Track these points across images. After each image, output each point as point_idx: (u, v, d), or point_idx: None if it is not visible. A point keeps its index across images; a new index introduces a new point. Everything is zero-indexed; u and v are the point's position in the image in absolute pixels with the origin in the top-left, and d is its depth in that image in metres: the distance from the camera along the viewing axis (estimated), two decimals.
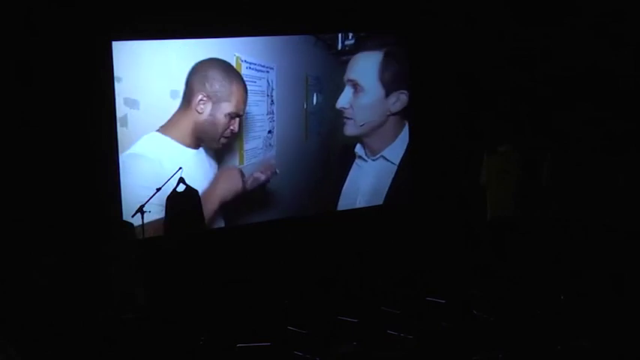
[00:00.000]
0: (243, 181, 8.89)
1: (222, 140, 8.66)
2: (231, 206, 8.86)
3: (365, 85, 9.34)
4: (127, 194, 8.14)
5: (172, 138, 8.39)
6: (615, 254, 8.25)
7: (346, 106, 9.32)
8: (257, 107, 8.90)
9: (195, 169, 8.49)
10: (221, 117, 8.57)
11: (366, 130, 9.50)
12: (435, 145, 9.80)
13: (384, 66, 9.37)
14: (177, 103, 8.37)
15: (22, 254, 7.41)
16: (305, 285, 8.34)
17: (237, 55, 8.65)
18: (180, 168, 8.07)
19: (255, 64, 8.79)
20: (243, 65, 8.72)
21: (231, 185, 8.80)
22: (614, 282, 7.77)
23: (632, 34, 8.93)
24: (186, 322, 7.44)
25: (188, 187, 8.06)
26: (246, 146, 8.90)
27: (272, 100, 8.99)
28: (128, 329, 7.16)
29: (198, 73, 8.45)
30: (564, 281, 7.94)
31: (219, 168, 8.76)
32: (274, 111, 9.03)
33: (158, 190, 7.98)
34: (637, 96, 8.96)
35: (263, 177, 9.03)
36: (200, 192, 8.32)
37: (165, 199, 8.06)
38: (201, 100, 8.43)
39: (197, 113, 8.44)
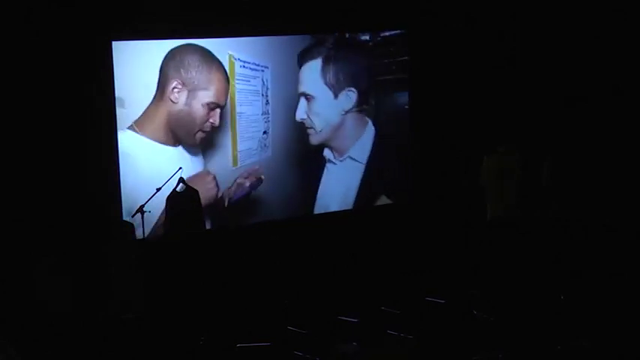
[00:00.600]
0: (217, 187, 8.65)
1: (200, 135, 8.38)
2: (215, 211, 8.73)
3: (314, 92, 9.27)
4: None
5: (146, 135, 8.13)
6: (615, 254, 8.26)
7: (304, 117, 9.24)
8: (251, 107, 8.83)
9: (175, 166, 8.16)
10: (198, 107, 8.27)
11: (327, 134, 9.41)
12: (434, 145, 9.79)
13: (325, 69, 9.31)
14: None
15: (22, 254, 7.41)
16: (305, 285, 8.34)
17: (230, 53, 8.59)
18: (180, 168, 8.07)
19: (249, 63, 8.73)
20: (237, 64, 8.65)
21: (202, 191, 8.31)
22: (614, 282, 7.77)
23: (632, 34, 8.93)
24: (186, 322, 7.44)
25: (188, 187, 8.05)
26: (240, 147, 8.81)
27: (267, 100, 8.95)
28: (128, 329, 7.16)
29: (173, 59, 8.16)
30: (564, 281, 7.94)
31: (207, 164, 8.66)
32: (269, 111, 8.99)
33: (158, 190, 7.97)
34: (637, 96, 8.96)
35: (247, 183, 8.88)
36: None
37: (164, 199, 8.06)
38: (175, 87, 8.10)
39: (171, 103, 8.09)
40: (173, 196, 8.02)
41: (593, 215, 8.50)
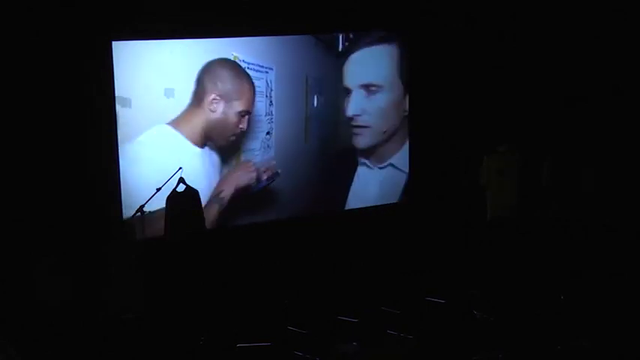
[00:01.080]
0: (257, 173, 8.92)
1: (232, 138, 8.71)
2: (235, 203, 8.84)
3: (383, 83, 9.05)
4: (128, 185, 8.18)
5: (182, 133, 8.44)
6: (615, 254, 8.25)
7: (359, 113, 9.12)
8: (255, 108, 8.86)
9: (200, 166, 8.54)
10: (233, 115, 8.63)
11: (387, 137, 9.23)
12: (435, 145, 9.79)
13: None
14: (171, 101, 8.33)
15: (22, 254, 7.41)
16: (305, 285, 8.34)
17: (235, 54, 8.64)
18: (180, 168, 8.06)
19: (253, 64, 8.77)
20: (242, 65, 8.71)
21: (245, 178, 8.83)
22: (614, 282, 7.77)
23: (632, 34, 8.93)
24: (186, 322, 7.44)
25: (188, 187, 8.05)
26: (244, 147, 8.88)
27: (271, 101, 8.97)
28: (128, 329, 7.16)
29: (209, 72, 8.48)
30: (564, 281, 7.94)
31: (222, 166, 8.75)
32: (273, 112, 9.01)
33: (158, 190, 7.98)
34: (637, 96, 8.96)
35: (265, 177, 9.01)
36: (213, 185, 8.47)
37: (165, 198, 8.07)
38: (214, 99, 8.49)
39: (210, 112, 8.49)
40: (173, 196, 8.02)
41: (593, 215, 8.50)
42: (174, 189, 8.00)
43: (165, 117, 8.32)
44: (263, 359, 6.80)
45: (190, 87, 8.43)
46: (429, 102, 9.75)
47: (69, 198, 7.81)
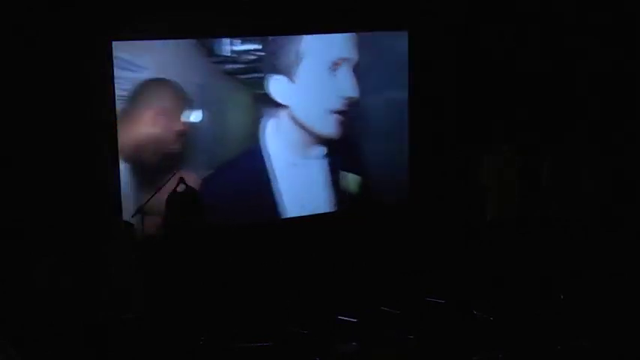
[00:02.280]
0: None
1: (159, 157, 8.36)
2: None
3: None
4: None
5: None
6: (615, 254, 8.25)
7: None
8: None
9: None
10: (171, 134, 8.37)
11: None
12: (434, 145, 9.79)
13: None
14: None
15: (22, 254, 7.42)
16: (305, 285, 8.34)
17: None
18: (180, 168, 8.07)
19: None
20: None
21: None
22: (614, 282, 7.77)
23: (633, 34, 8.92)
24: (186, 322, 7.44)
25: (188, 187, 8.06)
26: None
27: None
28: (128, 329, 7.16)
29: (149, 89, 8.21)
30: (564, 281, 7.94)
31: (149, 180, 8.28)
32: None
33: (158, 189, 7.98)
34: (637, 96, 8.96)
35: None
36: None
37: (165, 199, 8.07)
38: (156, 113, 8.26)
39: (150, 126, 8.26)
40: (173, 196, 8.02)
41: (593, 215, 8.50)
42: (174, 189, 8.01)
43: None
44: (263, 359, 6.80)
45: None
46: (428, 102, 9.75)
47: (69, 198, 7.82)
